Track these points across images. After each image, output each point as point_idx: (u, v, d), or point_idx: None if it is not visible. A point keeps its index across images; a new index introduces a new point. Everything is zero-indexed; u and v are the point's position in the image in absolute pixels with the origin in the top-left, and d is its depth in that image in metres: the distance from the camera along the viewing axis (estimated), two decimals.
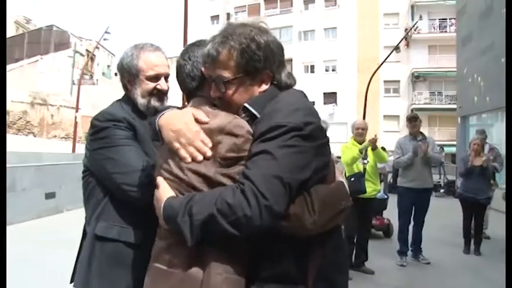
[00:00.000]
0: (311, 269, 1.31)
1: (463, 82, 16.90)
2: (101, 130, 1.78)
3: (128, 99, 1.93)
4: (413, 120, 6.19)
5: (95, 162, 1.82)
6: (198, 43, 1.58)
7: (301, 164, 1.25)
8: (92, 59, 41.73)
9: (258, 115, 1.34)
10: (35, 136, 30.20)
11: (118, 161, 1.71)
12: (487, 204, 6.92)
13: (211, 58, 1.38)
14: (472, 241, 6.75)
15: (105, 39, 29.93)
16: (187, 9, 14.01)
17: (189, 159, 1.30)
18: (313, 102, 36.08)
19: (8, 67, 39.45)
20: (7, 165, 8.31)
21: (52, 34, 40.72)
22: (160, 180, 1.37)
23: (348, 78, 34.62)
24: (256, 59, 1.35)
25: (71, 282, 1.87)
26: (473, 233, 6.79)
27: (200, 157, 1.29)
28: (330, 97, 35.76)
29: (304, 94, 1.47)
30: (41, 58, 39.20)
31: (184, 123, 1.34)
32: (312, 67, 37.17)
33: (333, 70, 36.38)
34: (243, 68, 1.35)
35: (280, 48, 1.42)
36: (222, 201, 1.18)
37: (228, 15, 41.15)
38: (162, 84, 1.92)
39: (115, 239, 1.73)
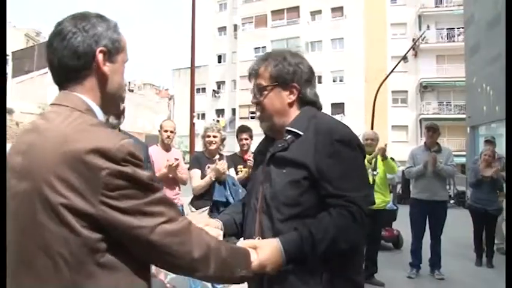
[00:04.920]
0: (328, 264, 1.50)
1: (472, 92, 16.80)
2: None
3: None
4: (430, 130, 6.04)
5: None
6: (101, 19, 1.24)
7: (365, 171, 1.67)
8: None
9: (301, 133, 1.61)
10: None
11: None
12: (498, 215, 6.81)
13: (254, 71, 1.74)
14: (484, 253, 6.65)
15: None
16: (195, 21, 14.11)
17: None
18: None
19: (18, 79, 39.92)
20: None
21: None
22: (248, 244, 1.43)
23: (356, 88, 34.60)
24: (286, 72, 1.67)
25: None
26: (484, 245, 6.69)
27: None
28: (338, 107, 35.68)
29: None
30: None
31: None
32: (319, 78, 37.13)
33: (341, 81, 36.40)
34: (275, 78, 1.67)
35: (310, 71, 1.73)
36: (336, 227, 1.45)
37: (235, 26, 41.43)
38: None
39: None
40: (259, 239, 1.50)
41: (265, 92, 1.69)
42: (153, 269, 2.35)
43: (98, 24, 1.19)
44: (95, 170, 1.01)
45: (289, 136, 1.62)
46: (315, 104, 1.73)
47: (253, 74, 1.75)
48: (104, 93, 1.21)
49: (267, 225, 1.60)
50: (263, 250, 1.37)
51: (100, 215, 1.01)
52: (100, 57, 1.17)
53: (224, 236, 1.84)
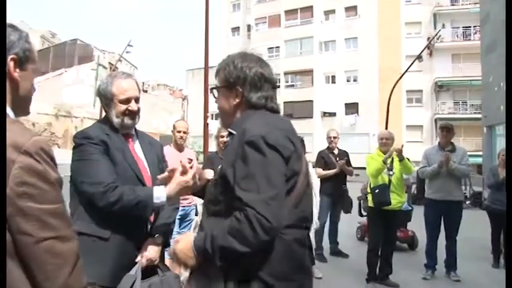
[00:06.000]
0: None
1: (489, 91, 16.58)
2: (77, 146, 2.19)
3: (106, 119, 2.33)
4: (444, 129, 5.96)
5: (72, 171, 2.18)
6: (13, 28, 1.33)
7: (276, 172, 1.53)
8: (111, 73, 42.36)
9: (234, 132, 1.71)
10: (59, 147, 30.76)
11: (85, 172, 2.11)
12: None
13: (215, 72, 1.85)
14: (502, 255, 6.54)
15: (127, 52, 30.51)
16: (208, 22, 14.14)
17: None
18: (335, 112, 35.93)
19: (34, 80, 40.47)
20: None
21: (76, 48, 41.65)
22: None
23: (370, 88, 34.38)
24: (230, 76, 1.76)
25: None
26: (502, 247, 6.58)
27: None
28: (352, 107, 35.54)
29: (272, 114, 1.76)
30: (66, 71, 40.05)
31: None
32: (333, 77, 37.05)
33: (354, 80, 36.20)
34: (223, 81, 1.79)
35: (258, 76, 1.76)
36: (232, 229, 1.47)
37: (249, 26, 41.47)
38: (132, 105, 2.28)
39: (90, 234, 2.09)
40: None
41: (216, 93, 1.85)
42: (168, 262, 2.38)
43: (11, 34, 1.26)
44: (10, 163, 1.05)
45: (229, 138, 1.77)
46: (264, 107, 1.75)
47: (215, 76, 1.88)
48: (14, 97, 1.27)
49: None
50: (180, 241, 1.66)
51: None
52: (11, 64, 1.23)
53: None
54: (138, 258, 2.14)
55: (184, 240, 1.64)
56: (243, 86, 1.74)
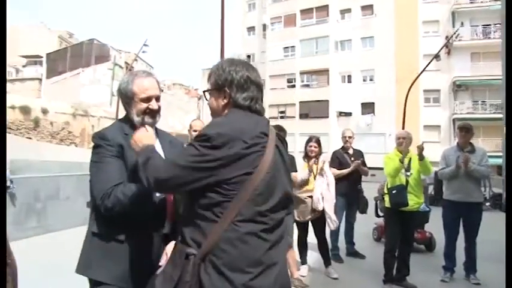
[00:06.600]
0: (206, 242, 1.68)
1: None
2: (95, 147, 2.20)
3: (127, 118, 2.33)
4: (463, 130, 5.83)
5: (89, 171, 2.20)
6: None
7: (193, 162, 1.71)
8: (131, 71, 42.87)
9: None
10: (76, 146, 31.14)
11: (96, 174, 2.13)
12: None
13: (208, 76, 2.03)
14: None
15: (143, 52, 30.75)
16: (224, 21, 14.17)
17: None
18: (351, 112, 35.70)
19: (52, 80, 41.10)
20: (51, 174, 8.58)
21: (93, 48, 42.11)
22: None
23: (386, 87, 34.08)
24: (219, 79, 1.93)
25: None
26: None
27: None
28: (368, 107, 35.28)
29: (251, 115, 1.90)
30: (83, 71, 40.57)
31: None
32: (349, 77, 36.82)
33: (371, 80, 35.93)
34: (214, 84, 1.96)
35: (244, 78, 1.92)
36: (148, 163, 1.83)
37: (264, 26, 41.45)
38: (153, 104, 2.28)
39: (105, 235, 2.12)
40: None
41: (209, 96, 2.01)
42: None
43: None
44: None
45: None
46: (249, 108, 1.91)
47: (207, 80, 2.05)
48: None
49: None
50: (147, 137, 2.04)
51: None
52: None
53: None
54: (162, 262, 2.11)
55: (148, 139, 2.02)
56: (230, 87, 1.90)
